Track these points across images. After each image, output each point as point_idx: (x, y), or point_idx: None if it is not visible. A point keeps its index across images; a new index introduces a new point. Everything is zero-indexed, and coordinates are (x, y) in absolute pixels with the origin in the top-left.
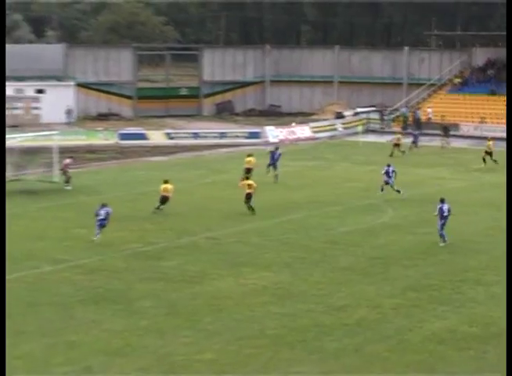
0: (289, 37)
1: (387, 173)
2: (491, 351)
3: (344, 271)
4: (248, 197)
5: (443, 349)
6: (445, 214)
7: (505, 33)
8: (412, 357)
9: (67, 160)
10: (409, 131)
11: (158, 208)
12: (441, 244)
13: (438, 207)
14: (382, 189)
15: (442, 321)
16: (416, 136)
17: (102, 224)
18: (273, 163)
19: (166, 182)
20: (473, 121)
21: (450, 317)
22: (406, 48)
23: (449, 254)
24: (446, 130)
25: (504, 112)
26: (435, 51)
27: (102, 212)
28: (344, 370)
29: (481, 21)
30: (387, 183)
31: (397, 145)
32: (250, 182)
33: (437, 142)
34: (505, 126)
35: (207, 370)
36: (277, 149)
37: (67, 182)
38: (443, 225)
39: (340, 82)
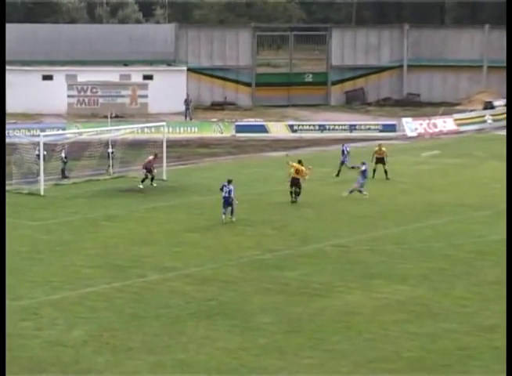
0: (431, 16)
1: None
2: None
3: (492, 285)
4: (296, 182)
5: None
6: None
7: None
8: None
9: (150, 158)
10: None
11: (292, 194)
12: None
13: None
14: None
15: None
16: None
17: (226, 202)
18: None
19: (299, 162)
20: None
21: None
22: None
23: None
24: None
25: None
26: None
27: (225, 189)
28: None
29: None
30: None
31: None
32: (298, 166)
33: None
34: None
35: None
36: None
37: (143, 181)
38: None
39: (491, 67)
